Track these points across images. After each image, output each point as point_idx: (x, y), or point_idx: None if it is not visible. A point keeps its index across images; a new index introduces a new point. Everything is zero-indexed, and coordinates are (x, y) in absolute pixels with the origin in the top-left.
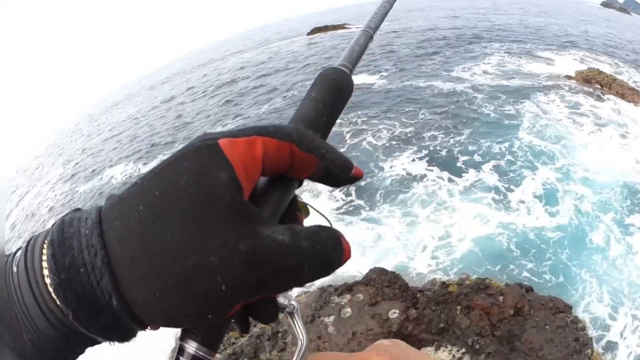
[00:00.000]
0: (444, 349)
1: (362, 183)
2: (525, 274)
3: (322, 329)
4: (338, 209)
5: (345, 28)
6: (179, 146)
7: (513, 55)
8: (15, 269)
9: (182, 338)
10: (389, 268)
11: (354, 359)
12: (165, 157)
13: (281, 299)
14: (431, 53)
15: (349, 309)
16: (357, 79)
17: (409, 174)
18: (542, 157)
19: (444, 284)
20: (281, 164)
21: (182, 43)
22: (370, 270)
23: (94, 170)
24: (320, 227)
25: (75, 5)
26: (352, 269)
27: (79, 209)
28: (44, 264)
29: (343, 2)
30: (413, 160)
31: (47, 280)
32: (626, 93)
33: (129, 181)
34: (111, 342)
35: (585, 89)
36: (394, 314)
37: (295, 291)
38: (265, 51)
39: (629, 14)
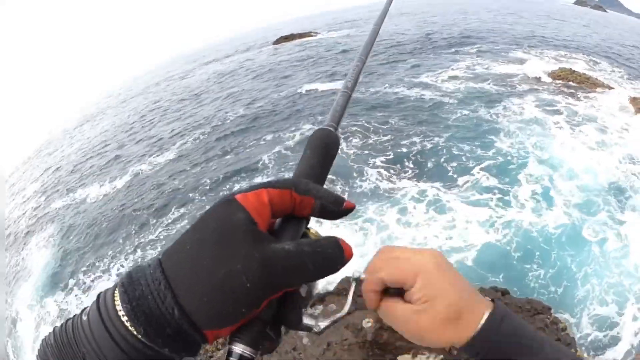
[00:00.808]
0: (420, 356)
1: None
2: (503, 279)
3: (296, 341)
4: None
5: (311, 36)
6: None
7: (484, 59)
8: (85, 317)
9: (230, 342)
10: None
11: (415, 252)
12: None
13: (308, 320)
14: (399, 60)
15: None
16: (318, 87)
17: (386, 181)
18: (520, 160)
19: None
20: (285, 206)
21: (157, 51)
22: (342, 281)
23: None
24: (321, 237)
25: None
26: (322, 280)
27: (142, 263)
28: (117, 301)
29: (310, 11)
30: (388, 168)
31: (120, 312)
32: (599, 89)
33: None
34: (177, 356)
35: (558, 88)
36: (367, 323)
37: None
38: (233, 62)
39: (605, 11)
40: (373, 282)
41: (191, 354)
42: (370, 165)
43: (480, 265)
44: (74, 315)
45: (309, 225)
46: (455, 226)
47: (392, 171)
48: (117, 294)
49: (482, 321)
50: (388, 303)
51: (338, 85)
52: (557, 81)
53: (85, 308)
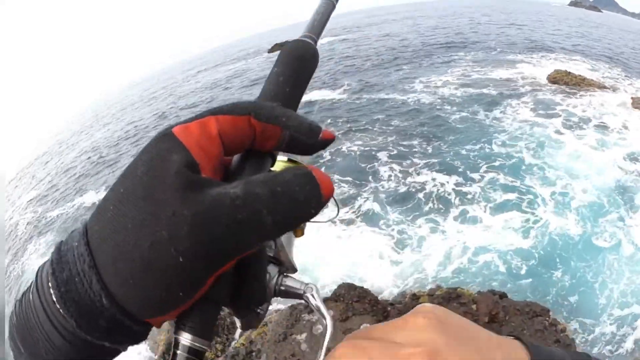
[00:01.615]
0: None
1: (346, 195)
2: (498, 283)
3: (295, 347)
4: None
5: None
6: None
7: (480, 63)
8: (31, 296)
9: (176, 331)
10: (357, 283)
11: (398, 322)
12: None
13: (291, 283)
14: (394, 65)
15: (320, 326)
16: (319, 95)
17: (384, 184)
18: (521, 165)
19: (415, 296)
20: (242, 139)
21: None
22: (339, 286)
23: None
24: (285, 169)
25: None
26: (319, 286)
27: (74, 230)
28: (50, 283)
29: (301, 19)
30: (398, 168)
31: (53, 297)
32: (595, 90)
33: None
34: (121, 347)
35: (554, 90)
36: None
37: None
38: (230, 69)
39: (600, 11)
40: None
41: (137, 342)
42: (381, 163)
43: (488, 269)
44: (27, 289)
45: (278, 162)
46: (461, 231)
47: (401, 170)
48: (49, 273)
49: None
50: None
51: (339, 93)
52: (553, 84)
53: (32, 282)
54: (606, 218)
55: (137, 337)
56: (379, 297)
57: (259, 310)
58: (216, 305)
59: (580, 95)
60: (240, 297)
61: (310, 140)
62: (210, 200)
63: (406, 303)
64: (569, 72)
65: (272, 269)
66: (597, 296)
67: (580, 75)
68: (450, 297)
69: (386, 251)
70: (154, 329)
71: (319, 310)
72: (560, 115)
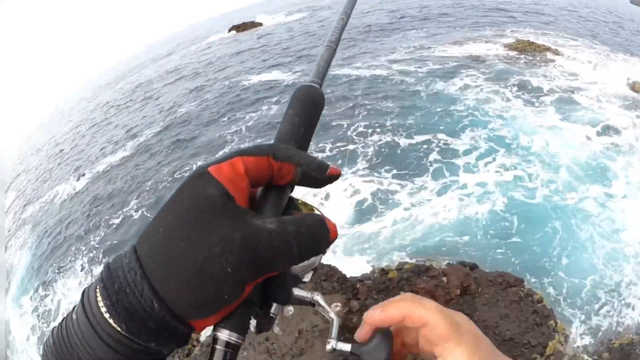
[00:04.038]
0: None
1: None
2: (480, 253)
3: (269, 331)
4: None
5: (257, 26)
6: None
7: (437, 37)
8: (74, 315)
9: (215, 329)
10: (323, 261)
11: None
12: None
13: (299, 293)
14: (350, 44)
15: (291, 308)
16: (271, 76)
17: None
18: (489, 137)
19: (383, 271)
20: (264, 175)
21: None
22: None
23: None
24: (306, 215)
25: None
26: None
27: (121, 252)
28: (99, 297)
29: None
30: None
31: (102, 308)
32: (559, 57)
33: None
34: (165, 349)
35: (516, 59)
36: (336, 307)
37: None
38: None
39: None
40: (396, 312)
41: (180, 344)
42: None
43: (459, 239)
44: (68, 314)
45: (293, 194)
46: (428, 201)
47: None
48: (98, 288)
49: None
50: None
51: (290, 74)
52: (516, 52)
53: (76, 305)
54: (576, 184)
55: (180, 339)
56: (347, 275)
57: (272, 315)
58: (249, 307)
59: (541, 64)
60: (269, 300)
61: (319, 175)
62: (254, 228)
63: (375, 279)
64: (532, 42)
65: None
66: (570, 263)
67: (543, 45)
68: (419, 271)
69: (346, 222)
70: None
71: (327, 312)
72: (516, 84)
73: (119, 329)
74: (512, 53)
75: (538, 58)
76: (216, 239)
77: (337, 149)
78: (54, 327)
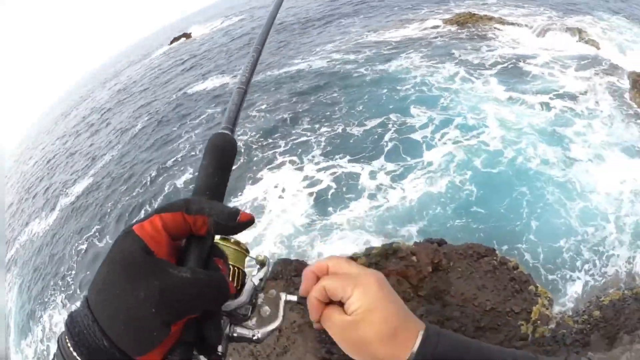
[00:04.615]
0: None
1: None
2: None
3: None
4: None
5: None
6: None
7: (374, 23)
8: (54, 358)
9: None
10: (292, 257)
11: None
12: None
13: (241, 330)
14: (296, 33)
15: (267, 307)
16: (213, 83)
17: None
18: (443, 111)
19: (351, 259)
20: (181, 228)
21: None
22: (275, 264)
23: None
24: (215, 272)
25: None
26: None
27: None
28: (67, 340)
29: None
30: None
31: (70, 348)
32: (507, 25)
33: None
34: None
35: (459, 32)
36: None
37: None
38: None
39: None
40: (316, 290)
41: None
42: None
43: (424, 215)
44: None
45: (232, 237)
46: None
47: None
48: (65, 333)
49: (418, 340)
50: (328, 311)
51: (231, 77)
52: (456, 26)
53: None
54: (535, 150)
55: None
56: None
57: (219, 353)
58: (189, 345)
59: (483, 34)
60: (204, 340)
61: (230, 223)
62: (171, 277)
63: None
64: (473, 14)
65: (224, 321)
66: (541, 226)
67: (486, 15)
68: (387, 254)
69: (307, 218)
70: None
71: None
72: (459, 59)
73: None
74: (453, 28)
75: (480, 29)
76: (140, 286)
77: (290, 145)
78: None
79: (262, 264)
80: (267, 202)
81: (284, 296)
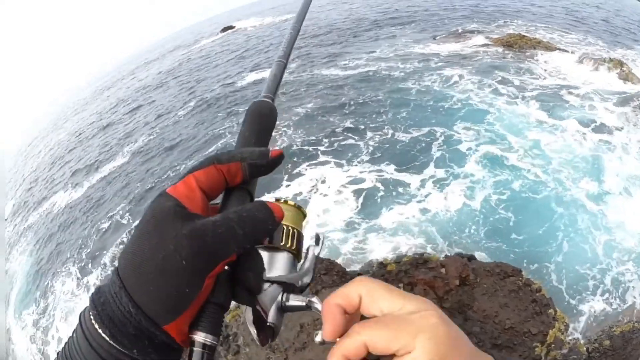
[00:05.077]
0: None
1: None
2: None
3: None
4: None
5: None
6: None
7: (423, 34)
8: (74, 333)
9: (190, 332)
10: (322, 255)
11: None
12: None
13: (294, 300)
14: (330, 42)
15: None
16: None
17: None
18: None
19: (382, 264)
20: (216, 181)
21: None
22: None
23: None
24: (249, 204)
25: None
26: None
27: None
28: (90, 311)
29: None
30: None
31: (92, 319)
32: (553, 50)
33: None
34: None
35: (506, 53)
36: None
37: None
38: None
39: None
40: (352, 347)
41: (162, 356)
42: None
43: (457, 230)
44: (71, 334)
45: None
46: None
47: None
48: (89, 304)
49: None
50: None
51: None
52: (505, 47)
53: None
54: (570, 179)
55: (162, 350)
56: (346, 269)
57: (270, 324)
58: (219, 306)
59: (534, 58)
60: (239, 288)
61: (263, 161)
62: (200, 223)
63: (374, 272)
64: (524, 35)
65: (277, 289)
66: (568, 253)
67: (535, 38)
68: (417, 263)
69: (346, 218)
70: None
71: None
72: (503, 80)
73: (104, 335)
74: (500, 48)
75: (527, 53)
76: (169, 238)
77: (336, 145)
78: (58, 351)
79: (316, 240)
80: (309, 198)
81: (312, 249)
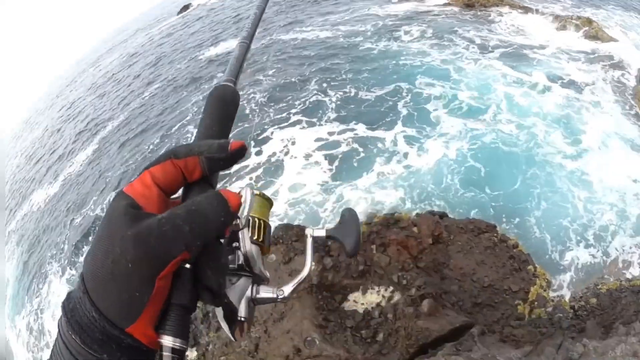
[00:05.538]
0: (371, 291)
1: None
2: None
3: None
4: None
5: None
6: None
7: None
8: (56, 341)
9: (158, 335)
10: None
11: None
12: None
13: (264, 292)
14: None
15: (266, 272)
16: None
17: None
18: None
19: None
20: (173, 177)
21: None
22: (275, 229)
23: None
24: (201, 195)
25: None
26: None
27: None
28: (63, 317)
29: None
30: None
31: (65, 326)
32: (518, 9)
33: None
34: None
35: (470, 11)
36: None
37: None
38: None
39: None
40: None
41: (127, 355)
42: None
43: (429, 187)
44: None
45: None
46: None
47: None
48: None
49: None
50: None
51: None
52: (465, 6)
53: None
54: (544, 133)
55: (130, 353)
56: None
57: (241, 319)
58: (184, 308)
59: (496, 13)
60: (201, 286)
61: (222, 154)
62: (146, 224)
63: None
64: None
65: (246, 282)
66: (546, 209)
67: None
68: (389, 223)
69: (313, 186)
70: None
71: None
72: (464, 38)
73: (76, 340)
74: (457, 7)
75: (487, 11)
76: (117, 242)
77: (301, 106)
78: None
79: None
80: (282, 162)
81: (310, 231)
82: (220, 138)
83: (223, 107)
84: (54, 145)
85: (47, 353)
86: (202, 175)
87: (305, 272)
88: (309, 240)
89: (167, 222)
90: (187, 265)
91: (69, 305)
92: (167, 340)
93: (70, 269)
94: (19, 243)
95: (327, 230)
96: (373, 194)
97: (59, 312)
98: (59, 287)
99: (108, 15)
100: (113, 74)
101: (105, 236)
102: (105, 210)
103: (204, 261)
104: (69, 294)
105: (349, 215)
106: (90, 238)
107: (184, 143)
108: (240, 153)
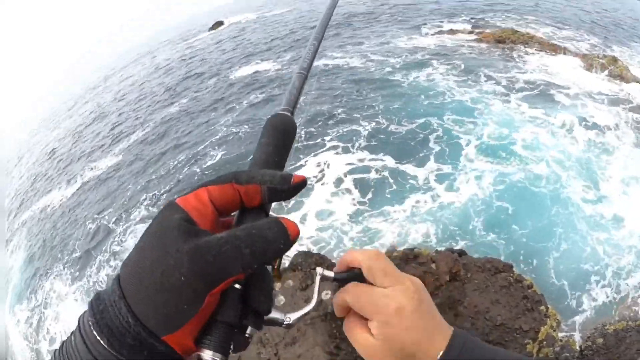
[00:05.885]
0: None
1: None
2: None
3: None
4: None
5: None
6: None
7: (409, 31)
8: (73, 337)
9: (197, 349)
10: (314, 250)
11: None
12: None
13: (273, 315)
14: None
15: (282, 297)
16: (257, 67)
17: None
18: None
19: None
20: (230, 200)
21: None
22: (295, 255)
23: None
24: (262, 220)
25: None
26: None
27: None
28: (90, 317)
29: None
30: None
31: (91, 327)
32: (546, 47)
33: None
34: None
35: (499, 48)
36: (326, 295)
37: None
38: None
39: None
40: (339, 299)
41: None
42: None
43: (450, 226)
44: (67, 337)
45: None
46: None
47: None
48: (88, 311)
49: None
50: (351, 324)
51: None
52: (497, 42)
53: (74, 329)
54: (565, 176)
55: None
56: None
57: (247, 335)
58: (228, 325)
59: (528, 53)
60: (249, 310)
61: (284, 186)
62: (204, 240)
63: None
64: (516, 31)
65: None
66: (562, 251)
67: (528, 33)
68: (407, 258)
69: (341, 214)
70: None
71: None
72: (492, 75)
73: (102, 342)
74: (490, 44)
75: (517, 49)
76: (171, 254)
77: (332, 136)
78: (56, 350)
79: None
80: (312, 186)
81: (319, 270)
82: (278, 168)
83: (283, 137)
84: (74, 146)
85: (44, 345)
86: (260, 204)
87: (310, 306)
88: (317, 278)
89: (227, 242)
90: (237, 286)
91: (98, 307)
92: (208, 355)
93: (76, 272)
94: (28, 236)
95: (335, 273)
96: (400, 228)
97: (60, 310)
98: (62, 288)
99: (138, 25)
100: (140, 84)
101: (156, 246)
102: (154, 217)
103: (255, 284)
104: (99, 295)
105: (356, 269)
106: (103, 248)
107: (245, 170)
108: (301, 187)
